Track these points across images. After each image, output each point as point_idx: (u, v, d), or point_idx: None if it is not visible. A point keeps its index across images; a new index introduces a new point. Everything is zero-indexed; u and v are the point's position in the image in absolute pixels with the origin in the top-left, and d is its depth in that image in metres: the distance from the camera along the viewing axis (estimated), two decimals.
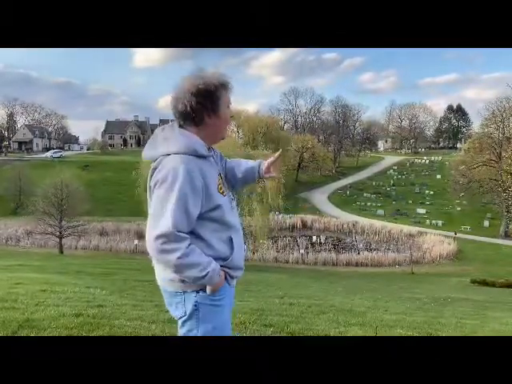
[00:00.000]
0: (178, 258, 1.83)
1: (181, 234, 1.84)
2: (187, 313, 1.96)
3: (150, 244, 1.85)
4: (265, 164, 2.28)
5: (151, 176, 1.94)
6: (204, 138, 2.00)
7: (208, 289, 1.93)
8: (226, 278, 2.00)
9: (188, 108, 1.94)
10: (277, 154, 2.31)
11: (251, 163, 2.31)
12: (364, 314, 6.90)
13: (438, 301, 11.71)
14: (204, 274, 1.87)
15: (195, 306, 1.95)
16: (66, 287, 7.68)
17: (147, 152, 2.03)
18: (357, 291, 13.40)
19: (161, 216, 1.84)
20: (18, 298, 5.80)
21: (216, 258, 1.95)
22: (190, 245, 1.87)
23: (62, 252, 28.13)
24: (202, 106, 1.95)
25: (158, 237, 1.82)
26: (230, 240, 2.01)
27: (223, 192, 2.01)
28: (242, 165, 2.29)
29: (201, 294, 1.95)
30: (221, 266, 1.96)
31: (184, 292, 1.95)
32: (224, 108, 2.01)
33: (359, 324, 5.83)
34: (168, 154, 1.91)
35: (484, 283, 20.96)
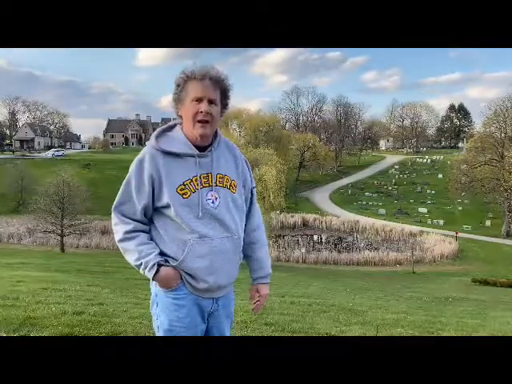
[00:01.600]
0: (118, 240, 1.94)
1: (125, 218, 1.93)
2: (152, 299, 2.02)
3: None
4: (255, 288, 2.15)
5: None
6: (188, 133, 1.97)
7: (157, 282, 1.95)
8: (182, 279, 1.92)
9: (172, 98, 1.99)
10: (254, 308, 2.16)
11: (257, 264, 2.17)
12: (365, 313, 6.91)
13: (439, 300, 11.71)
14: (138, 263, 1.89)
15: (155, 295, 1.99)
16: (68, 285, 7.71)
17: None
18: (358, 290, 13.40)
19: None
20: (19, 296, 5.82)
21: (167, 256, 1.92)
22: (133, 232, 1.92)
23: (63, 250, 28.17)
24: (176, 98, 1.97)
25: (112, 211, 1.96)
26: (185, 243, 1.90)
27: (185, 194, 1.90)
28: (253, 254, 2.17)
29: (155, 284, 1.97)
30: (174, 266, 1.91)
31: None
32: (187, 100, 1.92)
33: (360, 323, 5.84)
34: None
35: (485, 283, 20.95)
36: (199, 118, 1.91)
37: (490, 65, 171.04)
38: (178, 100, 1.96)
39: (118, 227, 1.94)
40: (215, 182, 1.97)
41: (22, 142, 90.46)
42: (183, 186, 1.90)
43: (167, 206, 1.90)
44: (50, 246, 30.70)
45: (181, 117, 1.99)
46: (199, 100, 1.91)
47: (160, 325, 1.96)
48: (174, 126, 2.04)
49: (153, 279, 1.91)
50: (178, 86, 1.94)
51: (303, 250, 31.90)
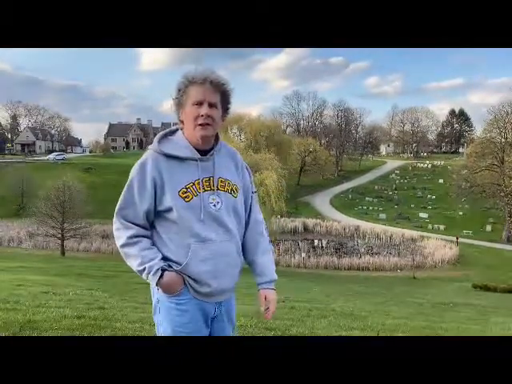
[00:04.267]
0: (120, 246, 1.92)
1: (127, 223, 1.92)
2: (154, 305, 2.01)
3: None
4: (262, 295, 2.11)
5: None
6: (190, 136, 1.98)
7: (160, 288, 1.93)
8: (185, 284, 1.92)
9: (173, 104, 2.01)
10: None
11: (261, 270, 2.14)
12: (365, 319, 6.89)
13: (439, 306, 11.69)
14: (141, 268, 1.88)
15: (157, 302, 1.98)
16: (68, 289, 7.70)
17: None
18: (358, 295, 13.38)
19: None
20: (19, 300, 5.81)
21: (170, 260, 1.92)
22: (136, 237, 1.91)
23: (63, 254, 28.16)
24: (176, 102, 1.98)
25: (115, 215, 1.95)
26: (188, 247, 1.91)
27: (186, 197, 1.90)
28: (254, 257, 2.15)
29: (159, 291, 1.95)
30: (177, 270, 1.90)
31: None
32: (188, 104, 1.94)
33: (360, 328, 5.83)
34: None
35: (486, 288, 20.88)
36: (200, 121, 1.92)
37: (493, 70, 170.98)
38: (179, 104, 1.98)
39: (120, 232, 1.93)
40: (217, 186, 1.98)
41: (23, 145, 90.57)
42: (185, 190, 1.91)
43: (169, 210, 1.90)
44: (50, 249, 30.67)
45: (182, 122, 2.00)
46: (200, 103, 1.92)
47: (163, 331, 1.95)
48: (176, 130, 2.05)
49: (156, 284, 1.90)
50: (179, 90, 1.96)
51: (304, 255, 31.86)
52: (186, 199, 1.90)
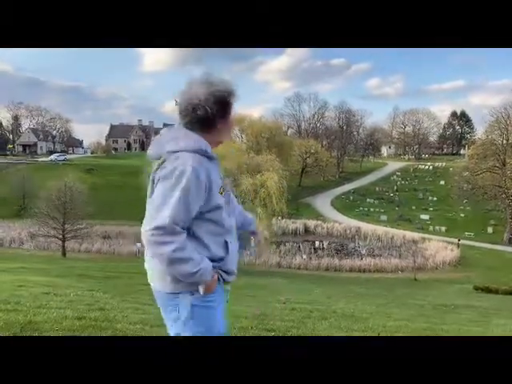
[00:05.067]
0: (173, 250, 1.85)
1: (177, 227, 1.87)
2: (183, 314, 1.98)
3: (146, 234, 1.88)
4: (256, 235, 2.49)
5: (157, 170, 1.97)
6: (210, 142, 2.05)
7: (200, 289, 1.95)
8: (218, 279, 2.03)
9: (209, 114, 1.99)
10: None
11: (247, 220, 2.44)
12: (366, 320, 6.88)
13: (440, 307, 11.66)
14: (196, 270, 1.88)
15: (191, 307, 1.97)
16: (69, 290, 7.69)
17: (153, 150, 2.05)
18: (359, 297, 13.36)
19: (162, 208, 1.87)
20: (20, 301, 5.81)
21: (210, 259, 1.98)
22: (185, 240, 1.90)
23: (64, 255, 28.18)
24: (218, 113, 2.01)
25: (156, 228, 1.85)
26: (226, 243, 2.05)
27: (223, 194, 2.04)
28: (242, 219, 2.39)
29: (195, 295, 1.97)
30: (215, 267, 2.00)
31: (179, 293, 1.98)
32: (231, 115, 2.09)
33: (361, 330, 5.82)
34: (177, 150, 1.95)
35: (487, 290, 20.85)
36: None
37: (494, 72, 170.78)
38: (223, 116, 2.06)
39: (171, 238, 1.86)
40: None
41: (24, 146, 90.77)
42: (222, 188, 2.04)
43: (215, 209, 1.99)
44: (51, 250, 30.69)
45: (207, 130, 2.05)
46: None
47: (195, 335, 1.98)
48: (183, 129, 2.08)
49: (206, 283, 1.95)
50: (227, 103, 2.05)
51: (305, 257, 31.86)
52: (223, 196, 2.04)
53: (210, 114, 1.99)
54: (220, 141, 2.14)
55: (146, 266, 2.12)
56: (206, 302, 1.99)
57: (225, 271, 2.05)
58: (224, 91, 2.01)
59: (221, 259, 2.02)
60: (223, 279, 2.05)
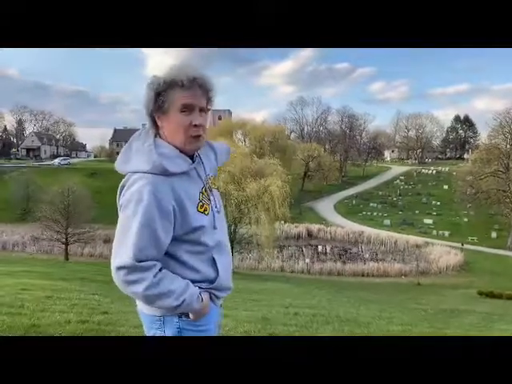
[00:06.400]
0: (145, 289, 1.60)
1: (144, 263, 1.60)
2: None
3: (113, 275, 1.63)
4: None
5: (119, 195, 1.71)
6: (171, 143, 1.74)
7: (191, 315, 1.74)
8: (211, 299, 1.80)
9: (145, 100, 1.74)
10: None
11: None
12: (369, 325, 6.87)
13: (444, 312, 11.62)
14: (180, 302, 1.65)
15: (178, 332, 1.75)
16: (72, 294, 7.72)
17: (120, 164, 1.77)
18: (362, 301, 13.32)
19: (122, 244, 1.62)
20: (23, 304, 5.83)
21: (201, 281, 1.76)
22: (158, 272, 1.63)
23: (67, 259, 28.21)
24: (151, 106, 1.73)
25: (119, 268, 1.60)
26: (213, 260, 1.78)
27: (205, 210, 1.75)
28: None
29: (184, 319, 1.75)
30: (207, 288, 1.78)
31: (164, 316, 1.74)
32: (173, 110, 1.70)
33: (364, 335, 5.81)
34: (135, 171, 1.68)
35: (491, 295, 20.76)
36: (193, 133, 1.71)
37: (498, 76, 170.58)
38: (158, 111, 1.72)
39: (140, 275, 1.60)
40: (209, 185, 1.84)
41: (28, 150, 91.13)
42: (201, 203, 1.74)
43: (194, 231, 1.71)
44: (54, 254, 30.75)
45: (157, 127, 1.76)
46: (189, 110, 1.71)
47: None
48: (150, 137, 1.77)
49: (195, 311, 1.73)
50: (158, 94, 1.70)
51: (308, 261, 31.81)
52: (206, 212, 1.75)
53: (145, 101, 1.73)
54: (180, 143, 1.73)
55: None
56: (197, 327, 1.77)
57: (219, 289, 1.81)
58: (156, 81, 1.71)
59: (213, 280, 1.78)
60: (216, 297, 1.82)
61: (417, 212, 52.60)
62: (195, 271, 1.74)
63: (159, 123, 1.74)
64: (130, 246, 1.59)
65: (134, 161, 1.70)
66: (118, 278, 1.61)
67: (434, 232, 43.92)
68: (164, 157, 1.68)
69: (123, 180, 1.71)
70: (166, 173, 1.65)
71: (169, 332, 1.75)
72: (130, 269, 1.59)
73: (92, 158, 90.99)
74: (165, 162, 1.66)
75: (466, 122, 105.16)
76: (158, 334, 1.76)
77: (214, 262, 1.78)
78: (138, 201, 1.60)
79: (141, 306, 1.80)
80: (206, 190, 1.79)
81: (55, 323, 4.56)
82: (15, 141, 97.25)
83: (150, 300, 1.65)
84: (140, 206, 1.59)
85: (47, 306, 5.85)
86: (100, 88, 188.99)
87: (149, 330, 1.80)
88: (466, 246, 36.80)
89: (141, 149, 1.72)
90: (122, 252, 1.60)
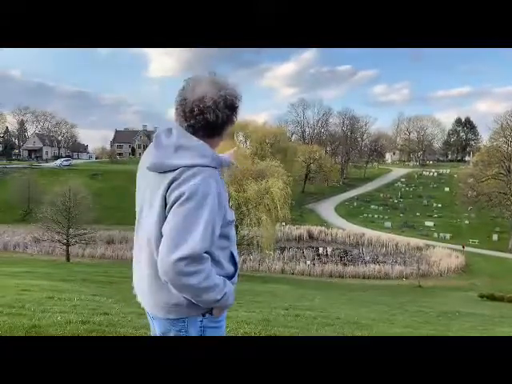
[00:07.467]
0: (201, 281, 1.63)
1: (205, 255, 1.65)
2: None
3: (169, 265, 1.60)
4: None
5: (168, 188, 1.68)
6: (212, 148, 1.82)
7: (216, 311, 1.78)
8: None
9: (219, 120, 1.77)
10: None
11: None
12: (370, 327, 6.86)
13: (445, 315, 11.60)
14: (221, 296, 1.71)
15: (200, 330, 1.79)
16: (73, 295, 7.71)
17: (156, 161, 1.74)
18: (363, 304, 13.31)
19: (186, 235, 1.61)
20: (24, 305, 5.83)
21: (224, 277, 1.79)
22: (210, 266, 1.69)
23: (68, 260, 28.23)
24: (228, 119, 1.81)
25: (181, 259, 1.59)
26: (232, 255, 1.85)
27: (232, 205, 1.90)
28: None
29: (207, 317, 1.79)
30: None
31: (187, 317, 1.78)
32: (229, 131, 1.88)
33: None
34: (193, 165, 1.68)
35: (492, 298, 20.72)
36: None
37: (500, 79, 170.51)
38: (232, 122, 1.84)
39: (200, 267, 1.63)
40: None
41: (30, 151, 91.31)
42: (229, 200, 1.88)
43: (228, 224, 1.81)
44: (55, 255, 30.78)
45: (213, 136, 1.84)
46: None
47: None
48: (189, 134, 1.82)
49: (227, 306, 1.81)
50: (236, 110, 1.83)
51: (308, 263, 31.79)
52: (232, 207, 1.89)
53: (220, 120, 1.76)
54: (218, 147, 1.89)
55: (139, 291, 1.99)
56: (217, 323, 1.84)
57: (233, 285, 1.88)
58: (234, 95, 1.79)
59: (232, 275, 1.84)
60: None
61: (418, 214, 52.54)
62: (221, 266, 1.79)
63: (224, 133, 1.84)
64: (195, 238, 1.61)
65: (187, 156, 1.70)
66: (174, 269, 1.60)
67: (435, 234, 43.88)
68: (216, 153, 1.79)
69: (174, 174, 1.68)
70: (221, 166, 1.76)
71: (193, 332, 1.78)
72: (191, 260, 1.60)
73: (93, 160, 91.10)
74: (219, 156, 1.78)
75: (468, 125, 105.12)
76: (179, 333, 1.79)
77: (232, 257, 1.85)
78: (204, 193, 1.64)
79: (164, 310, 1.79)
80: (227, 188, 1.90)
81: (56, 324, 4.57)
82: (17, 142, 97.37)
83: (200, 292, 1.67)
84: (207, 198, 1.64)
85: (48, 307, 5.85)
86: (102, 89, 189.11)
87: (167, 333, 1.82)
88: (467, 248, 36.75)
89: (191, 145, 1.73)
90: (190, 241, 1.61)
